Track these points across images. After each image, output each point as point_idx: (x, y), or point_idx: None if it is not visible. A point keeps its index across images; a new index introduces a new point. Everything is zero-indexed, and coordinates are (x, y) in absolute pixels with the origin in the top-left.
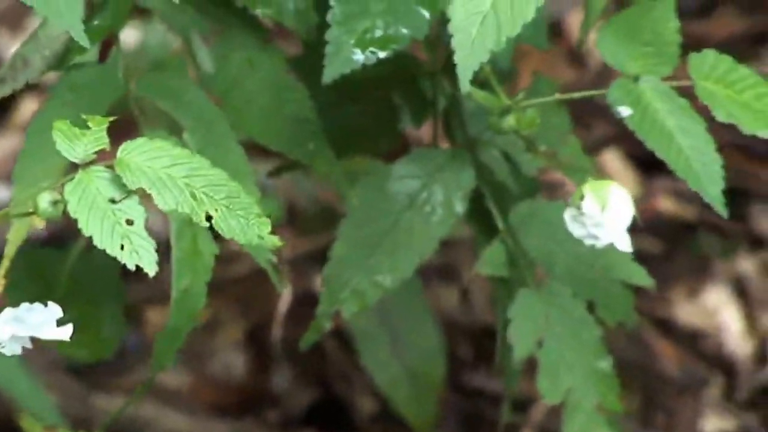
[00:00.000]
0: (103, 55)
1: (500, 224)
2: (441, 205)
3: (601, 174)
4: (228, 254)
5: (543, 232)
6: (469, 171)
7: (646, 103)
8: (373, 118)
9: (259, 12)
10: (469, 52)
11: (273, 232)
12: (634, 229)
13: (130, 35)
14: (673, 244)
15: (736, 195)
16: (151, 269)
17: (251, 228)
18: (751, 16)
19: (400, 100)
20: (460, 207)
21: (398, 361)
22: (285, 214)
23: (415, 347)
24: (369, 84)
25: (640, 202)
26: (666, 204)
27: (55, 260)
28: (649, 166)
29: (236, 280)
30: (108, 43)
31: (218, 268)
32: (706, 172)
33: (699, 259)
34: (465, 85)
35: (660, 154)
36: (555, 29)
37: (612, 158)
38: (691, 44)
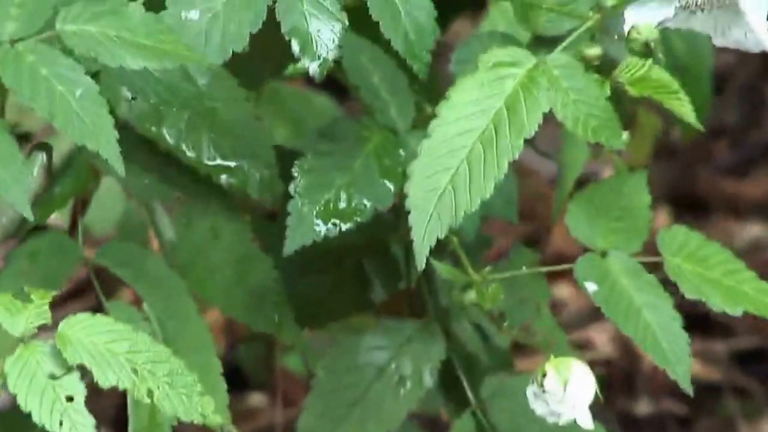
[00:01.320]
0: (73, 224)
1: (471, 397)
2: (410, 377)
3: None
4: (245, 410)
5: (513, 406)
6: (439, 343)
7: (614, 279)
8: (343, 286)
9: (223, 180)
10: (426, 229)
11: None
12: (658, 391)
13: None
14: (698, 406)
15: (761, 356)
16: None
17: (194, 406)
18: None
19: (370, 268)
20: (429, 379)
21: None
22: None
23: None
24: (338, 252)
25: None
26: (691, 365)
27: (22, 425)
28: None
29: None
30: (79, 207)
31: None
32: (672, 350)
33: (724, 421)
34: (421, 261)
35: (626, 331)
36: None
37: None
38: (724, 202)
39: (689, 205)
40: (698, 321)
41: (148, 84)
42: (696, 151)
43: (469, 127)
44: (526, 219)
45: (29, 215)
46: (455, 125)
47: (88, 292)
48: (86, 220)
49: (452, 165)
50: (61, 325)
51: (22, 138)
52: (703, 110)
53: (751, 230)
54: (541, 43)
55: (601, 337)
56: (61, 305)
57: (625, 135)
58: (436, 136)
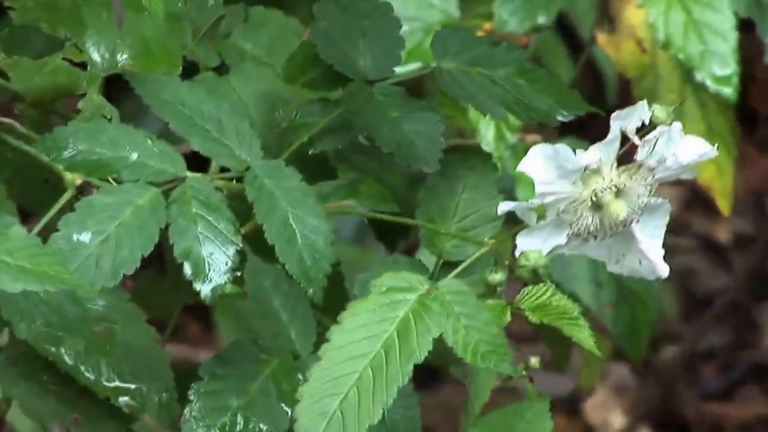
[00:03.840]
0: None
1: None
2: None
3: None
4: None
5: None
6: None
7: None
8: None
9: (122, 402)
10: None
11: None
12: None
13: None
14: None
15: None
16: None
17: None
18: None
19: None
20: None
21: None
22: None
23: None
24: None
25: None
26: None
27: None
28: None
29: None
30: None
31: None
32: None
33: None
34: None
35: None
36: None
37: None
38: (708, 425)
39: (671, 426)
40: None
41: (32, 305)
42: (681, 373)
43: (359, 352)
44: None
45: None
46: (346, 350)
47: None
48: None
49: (341, 390)
50: None
51: None
52: (646, 333)
53: None
54: (449, 268)
55: None
56: None
57: (534, 360)
58: (326, 360)
